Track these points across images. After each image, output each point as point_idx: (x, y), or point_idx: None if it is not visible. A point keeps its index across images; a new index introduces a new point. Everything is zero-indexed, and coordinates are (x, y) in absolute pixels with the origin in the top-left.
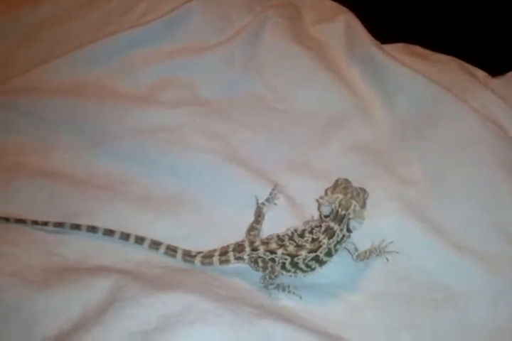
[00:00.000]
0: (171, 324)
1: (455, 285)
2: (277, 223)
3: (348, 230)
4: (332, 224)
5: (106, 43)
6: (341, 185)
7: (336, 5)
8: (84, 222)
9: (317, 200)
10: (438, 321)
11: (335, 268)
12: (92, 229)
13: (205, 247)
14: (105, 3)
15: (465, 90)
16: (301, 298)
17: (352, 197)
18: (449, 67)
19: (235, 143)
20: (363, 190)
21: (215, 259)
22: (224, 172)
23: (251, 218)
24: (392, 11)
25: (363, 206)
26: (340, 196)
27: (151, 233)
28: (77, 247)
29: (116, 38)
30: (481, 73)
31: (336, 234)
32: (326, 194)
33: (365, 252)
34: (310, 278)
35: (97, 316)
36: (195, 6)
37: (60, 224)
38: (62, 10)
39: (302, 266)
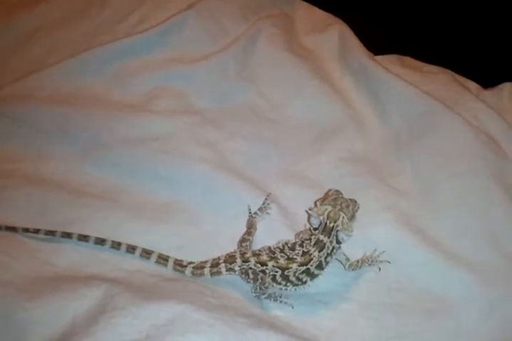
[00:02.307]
0: (163, 334)
1: (447, 295)
2: (270, 233)
3: (338, 242)
4: (321, 237)
5: (99, 52)
6: (331, 197)
7: (330, 16)
8: (76, 230)
9: (307, 211)
10: (430, 331)
11: (327, 278)
12: (84, 237)
13: (198, 256)
14: (99, 12)
15: (457, 101)
16: (293, 307)
17: (341, 209)
18: (441, 79)
19: (227, 152)
20: (354, 202)
21: (206, 271)
22: (217, 182)
23: (243, 227)
24: (386, 22)
25: (352, 218)
26: (329, 208)
27: (143, 242)
28: (68, 256)
29: (110, 47)
30: (472, 85)
31: (325, 246)
32: (315, 205)
33: (357, 262)
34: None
35: (88, 325)
36: (189, 16)
37: (51, 232)
38: (55, 18)
39: (293, 279)
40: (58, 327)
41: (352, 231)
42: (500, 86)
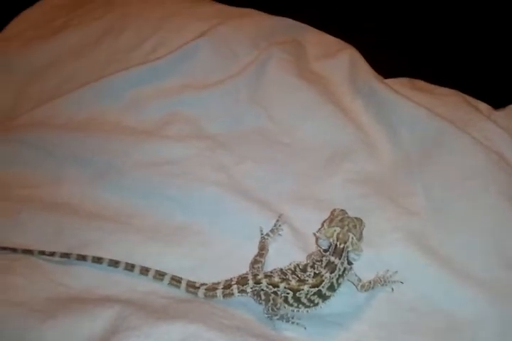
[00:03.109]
0: None
1: (460, 315)
2: (282, 254)
3: (349, 262)
4: (332, 259)
5: (113, 80)
6: (338, 217)
7: (339, 41)
8: (91, 253)
9: (314, 234)
10: None
11: (339, 299)
12: (98, 259)
13: (210, 278)
14: (114, 41)
15: (468, 122)
16: (305, 328)
17: (349, 230)
18: (451, 100)
19: (239, 175)
20: (360, 221)
21: (219, 292)
22: (228, 204)
23: (255, 249)
24: (396, 46)
25: (360, 238)
26: (338, 229)
27: (157, 264)
28: (82, 278)
29: (124, 75)
30: (483, 106)
31: (337, 268)
32: (322, 226)
33: (370, 282)
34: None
35: None
36: (202, 43)
37: (66, 255)
38: (71, 48)
39: (305, 300)
40: None
41: (362, 250)
42: (511, 106)
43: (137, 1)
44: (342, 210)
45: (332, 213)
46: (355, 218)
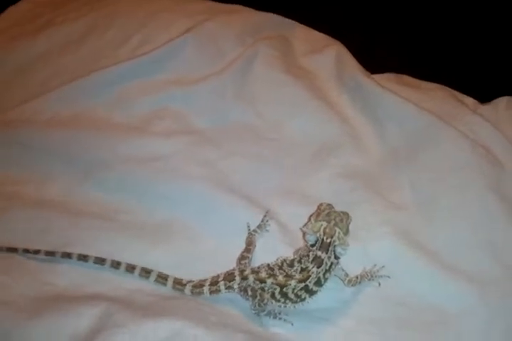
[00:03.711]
0: None
1: (448, 308)
2: (269, 250)
3: (336, 257)
4: (319, 253)
5: (100, 76)
6: (324, 212)
7: (326, 37)
8: (76, 250)
9: (301, 229)
10: None
11: (326, 294)
12: (83, 257)
13: (197, 274)
14: (99, 37)
15: (454, 116)
16: (292, 324)
17: (335, 224)
18: (438, 95)
19: (226, 170)
20: (346, 215)
21: (206, 289)
22: (216, 200)
23: (242, 244)
24: (383, 42)
25: (347, 232)
26: (324, 223)
27: (143, 261)
28: (68, 276)
29: (110, 71)
30: (469, 100)
31: (324, 262)
32: (309, 221)
33: (357, 277)
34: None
35: None
36: (188, 39)
37: (51, 253)
38: (57, 44)
39: (292, 296)
40: None
41: (348, 245)
42: (496, 100)
43: None
44: (329, 204)
45: (319, 207)
46: (342, 212)
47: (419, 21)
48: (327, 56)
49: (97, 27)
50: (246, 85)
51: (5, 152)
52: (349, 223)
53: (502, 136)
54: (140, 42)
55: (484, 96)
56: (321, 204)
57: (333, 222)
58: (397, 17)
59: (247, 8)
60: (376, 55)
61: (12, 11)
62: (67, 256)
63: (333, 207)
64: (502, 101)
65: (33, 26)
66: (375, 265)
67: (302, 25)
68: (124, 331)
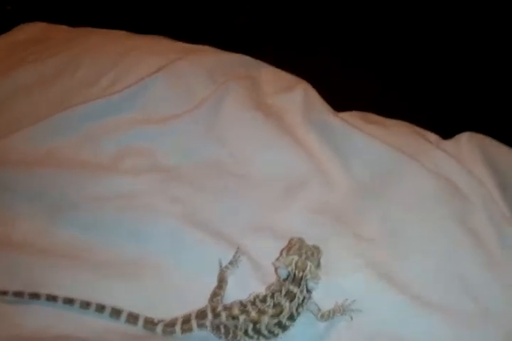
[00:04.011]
0: None
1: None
2: (241, 286)
3: (308, 291)
4: (291, 287)
5: (69, 114)
6: (295, 246)
7: (294, 77)
8: (45, 291)
9: (273, 264)
10: None
11: (300, 329)
12: (52, 298)
13: (168, 312)
14: (70, 77)
15: (418, 151)
16: None
17: (307, 258)
18: (401, 131)
19: (196, 207)
20: (317, 249)
21: (178, 328)
22: (186, 236)
23: (214, 281)
24: (347, 81)
25: (318, 266)
26: (296, 257)
27: (113, 300)
28: (36, 317)
29: (79, 110)
30: (432, 136)
31: (296, 296)
32: (281, 255)
33: (329, 312)
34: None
35: None
36: (159, 77)
37: (19, 294)
38: (25, 85)
39: (265, 332)
40: None
41: (320, 278)
42: (458, 136)
43: (95, 38)
44: (300, 238)
45: (290, 242)
46: (313, 246)
47: (381, 61)
48: (294, 95)
49: (68, 66)
50: (216, 123)
51: None
52: (320, 257)
53: (465, 170)
54: (111, 81)
55: (446, 132)
56: (292, 239)
57: (304, 256)
58: (362, 56)
59: (216, 49)
60: (342, 94)
61: None
62: (36, 296)
63: (304, 241)
64: (463, 137)
65: (4, 65)
66: (346, 299)
67: (269, 66)
68: None
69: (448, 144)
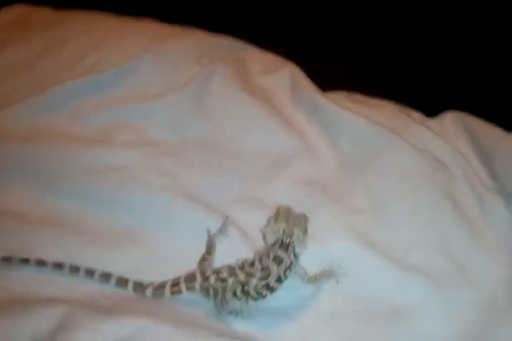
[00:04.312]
0: None
1: (405, 302)
2: (229, 254)
3: (295, 255)
4: (279, 252)
5: (56, 91)
6: (283, 214)
7: (280, 59)
8: (33, 257)
9: (261, 230)
10: (390, 335)
11: (288, 292)
12: (42, 263)
13: (157, 278)
14: (54, 58)
15: (402, 128)
16: (254, 321)
17: (294, 225)
18: (386, 110)
19: (186, 180)
20: (304, 216)
21: (167, 290)
22: (175, 208)
23: (202, 250)
24: (333, 62)
25: (305, 232)
26: (283, 225)
27: (102, 267)
28: (25, 281)
29: (68, 86)
30: (416, 115)
31: (284, 261)
32: (269, 222)
33: (316, 275)
34: (263, 302)
35: None
36: (145, 57)
37: (7, 259)
38: (12, 63)
39: (253, 293)
40: None
41: (306, 244)
42: (442, 114)
43: (79, 19)
44: (287, 207)
45: (277, 210)
46: (300, 213)
47: (368, 42)
48: (281, 76)
49: (51, 48)
50: (203, 101)
51: None
52: (307, 224)
53: (449, 146)
54: (96, 61)
55: (430, 111)
56: (279, 207)
57: (291, 223)
58: (348, 39)
59: (202, 31)
60: (327, 75)
61: None
62: (25, 261)
63: (291, 209)
64: (447, 115)
65: None
66: (332, 263)
67: (255, 48)
68: (85, 330)
69: (432, 122)
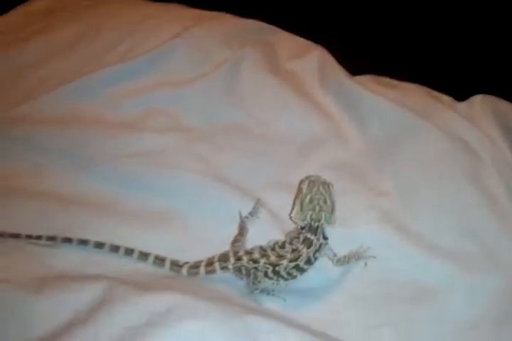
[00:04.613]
0: (161, 320)
1: (431, 284)
2: (260, 236)
3: (324, 238)
4: (308, 235)
5: (92, 78)
6: (306, 199)
7: (309, 42)
8: (75, 236)
9: (290, 217)
10: (415, 317)
11: (316, 273)
12: (83, 242)
13: (193, 259)
14: (88, 45)
15: (431, 112)
16: (285, 300)
17: (321, 209)
18: (415, 94)
19: (218, 164)
20: (328, 191)
21: (202, 269)
22: (209, 190)
23: (235, 231)
24: (362, 45)
25: (333, 210)
26: (310, 212)
27: (140, 246)
28: (68, 259)
29: (102, 73)
30: (446, 98)
31: (313, 243)
32: (294, 205)
33: (344, 257)
34: (293, 283)
35: (89, 316)
36: (177, 43)
37: (52, 238)
38: (48, 51)
39: (284, 273)
40: (60, 319)
41: (335, 222)
42: (472, 98)
43: (111, 7)
44: (308, 184)
45: (300, 186)
46: (323, 187)
47: (398, 25)
48: (310, 60)
49: (85, 35)
50: (234, 86)
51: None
52: (333, 197)
53: (478, 130)
54: (129, 48)
55: (460, 95)
56: (301, 182)
57: (318, 208)
58: (377, 22)
59: (231, 15)
60: (356, 59)
61: (2, 20)
62: (68, 240)
63: (313, 187)
64: (477, 99)
65: (24, 34)
66: (361, 246)
67: (284, 31)
68: (124, 303)
69: (461, 106)
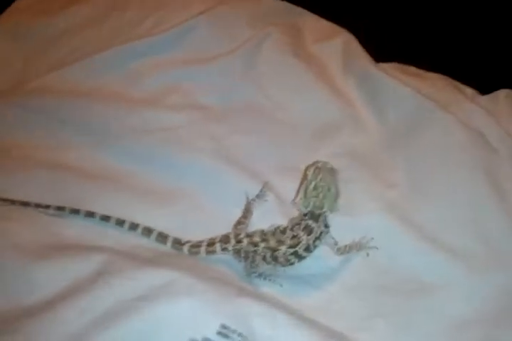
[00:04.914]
0: (157, 294)
1: (431, 278)
2: (265, 218)
3: (326, 226)
4: (310, 222)
5: (117, 52)
6: (311, 186)
7: (335, 26)
8: (84, 208)
9: (293, 203)
10: (412, 310)
11: (316, 261)
12: (90, 214)
13: (195, 238)
14: (118, 17)
15: (451, 103)
16: (281, 285)
17: (324, 197)
18: (438, 84)
19: (230, 145)
20: (332, 178)
21: (203, 249)
22: (218, 171)
23: (239, 214)
24: (389, 31)
25: (337, 196)
26: (313, 199)
27: (146, 222)
28: (75, 229)
29: (127, 48)
30: (469, 90)
31: (314, 230)
32: (298, 193)
33: (346, 246)
34: (291, 270)
35: (88, 285)
36: (201, 21)
37: (60, 208)
38: (78, 21)
39: (281, 259)
40: (62, 286)
41: (338, 209)
42: (496, 92)
43: None
44: (314, 172)
45: (306, 172)
46: (329, 174)
47: (426, 13)
48: (335, 44)
49: (115, 8)
50: (254, 66)
51: (20, 118)
52: (337, 182)
53: (497, 124)
54: (155, 23)
55: (485, 88)
56: (306, 169)
57: (321, 196)
58: (406, 9)
59: None
60: (383, 45)
61: None
62: (75, 212)
63: (318, 174)
64: (501, 93)
65: (55, 4)
66: (364, 236)
67: (311, 14)
68: (122, 275)
69: (484, 99)
